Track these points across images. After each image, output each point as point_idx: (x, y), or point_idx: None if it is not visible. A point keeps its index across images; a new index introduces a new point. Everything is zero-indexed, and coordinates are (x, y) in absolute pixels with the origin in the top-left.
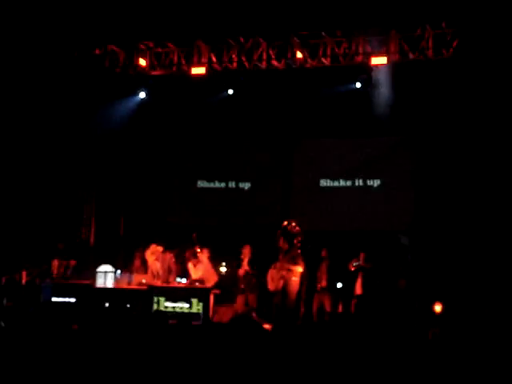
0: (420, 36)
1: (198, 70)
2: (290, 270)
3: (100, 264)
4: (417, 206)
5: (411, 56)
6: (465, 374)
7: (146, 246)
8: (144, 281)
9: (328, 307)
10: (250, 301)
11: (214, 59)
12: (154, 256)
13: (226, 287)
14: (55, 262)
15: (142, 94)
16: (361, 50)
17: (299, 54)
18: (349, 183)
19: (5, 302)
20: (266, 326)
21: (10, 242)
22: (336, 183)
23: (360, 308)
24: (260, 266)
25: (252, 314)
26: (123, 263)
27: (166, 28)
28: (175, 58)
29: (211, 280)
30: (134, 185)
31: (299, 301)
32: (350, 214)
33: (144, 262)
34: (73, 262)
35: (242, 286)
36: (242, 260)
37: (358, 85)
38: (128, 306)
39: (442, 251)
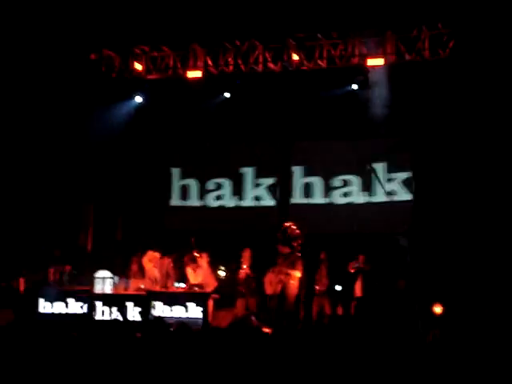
0: (416, 37)
1: (194, 74)
2: (288, 275)
3: (98, 270)
4: (415, 208)
5: (408, 57)
6: (465, 375)
7: (144, 251)
8: (142, 286)
9: (328, 310)
10: (250, 305)
11: (209, 62)
12: (152, 263)
13: (226, 291)
14: (51, 269)
15: (139, 99)
16: (357, 51)
17: (295, 57)
18: (347, 185)
19: None
20: (266, 330)
21: (7, 248)
22: (334, 185)
23: (360, 310)
24: (259, 269)
25: (251, 318)
26: (121, 269)
27: (161, 32)
28: (171, 62)
29: (211, 285)
30: (132, 189)
31: (298, 304)
32: (348, 216)
33: (141, 267)
34: (68, 268)
35: (243, 290)
36: (242, 263)
37: (355, 86)
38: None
39: (441, 252)
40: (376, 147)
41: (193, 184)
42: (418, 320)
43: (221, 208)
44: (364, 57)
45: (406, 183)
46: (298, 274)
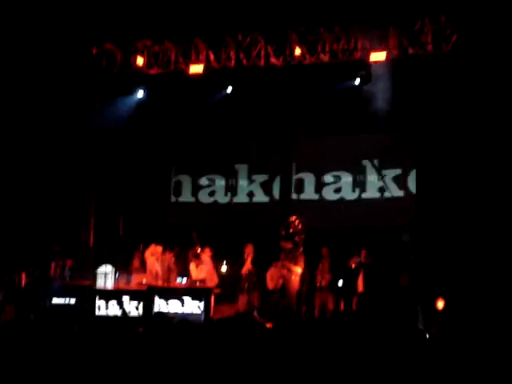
0: (419, 31)
1: (196, 68)
2: (290, 270)
3: (99, 265)
4: (418, 202)
5: (411, 51)
6: (467, 370)
7: (146, 246)
8: (144, 281)
9: (330, 305)
10: (252, 300)
11: (211, 57)
12: (154, 257)
13: (228, 287)
14: (53, 264)
15: (140, 93)
16: (360, 45)
17: (298, 51)
18: (350, 180)
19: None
20: (268, 325)
21: (8, 243)
22: (337, 180)
23: (362, 305)
24: (262, 264)
25: (254, 313)
26: (123, 264)
27: (163, 26)
28: (173, 57)
29: (213, 280)
30: (133, 184)
31: (300, 300)
32: (351, 210)
33: (143, 262)
34: (69, 262)
35: (246, 285)
36: (245, 259)
37: (357, 81)
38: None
39: (443, 247)
40: (379, 141)
41: (194, 178)
42: (419, 315)
43: (221, 204)
44: (367, 51)
45: (409, 177)
46: (299, 269)
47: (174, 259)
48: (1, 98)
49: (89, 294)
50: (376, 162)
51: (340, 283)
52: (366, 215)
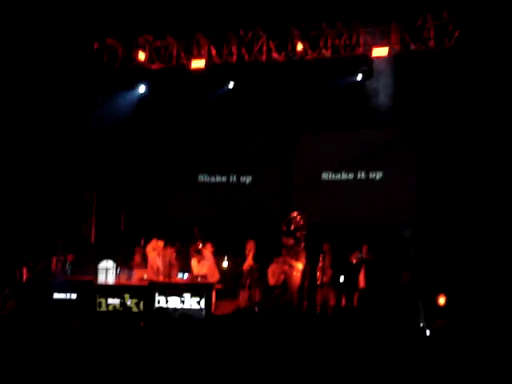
0: (421, 26)
1: (198, 64)
2: (291, 266)
3: (101, 260)
4: (419, 198)
5: (413, 47)
6: (468, 365)
7: (147, 242)
8: (145, 276)
9: (332, 301)
10: (254, 296)
11: (213, 52)
12: (156, 252)
13: (229, 282)
14: (54, 259)
15: (142, 88)
16: (362, 41)
17: (299, 46)
18: (351, 176)
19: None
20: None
21: (10, 238)
22: (338, 176)
23: (363, 301)
24: (263, 260)
25: (255, 309)
26: (124, 259)
27: (164, 21)
28: (174, 52)
29: (214, 276)
30: (135, 180)
31: (301, 295)
32: (352, 206)
33: (144, 258)
34: (70, 257)
35: (247, 281)
36: (246, 255)
37: (359, 76)
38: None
39: (445, 243)
40: (380, 137)
41: (195, 174)
42: (420, 311)
43: (222, 199)
44: (369, 46)
45: (411, 174)
46: (300, 265)
47: (175, 254)
48: (2, 93)
49: (90, 289)
50: (377, 157)
51: (341, 279)
52: (367, 211)
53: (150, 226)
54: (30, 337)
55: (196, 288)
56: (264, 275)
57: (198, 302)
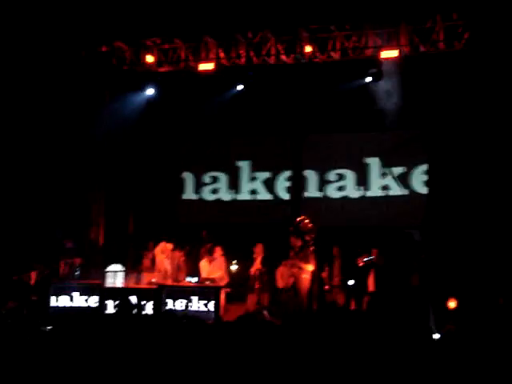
0: (431, 28)
1: (206, 66)
2: (300, 268)
3: (109, 263)
4: (429, 202)
5: (422, 49)
6: (478, 369)
7: (156, 245)
8: (154, 280)
9: (341, 304)
10: (262, 300)
11: (221, 55)
12: (164, 254)
13: (237, 286)
14: (62, 262)
15: (150, 91)
16: (370, 43)
17: (308, 49)
18: (359, 178)
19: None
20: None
21: (18, 242)
22: (346, 178)
23: (372, 305)
24: (272, 263)
25: (264, 312)
26: (132, 262)
27: (173, 24)
28: (183, 54)
29: (224, 279)
30: (143, 183)
31: (311, 298)
32: (361, 210)
33: (153, 262)
34: (77, 261)
35: (257, 285)
36: (254, 259)
37: (368, 79)
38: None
39: (455, 246)
40: (390, 140)
41: (203, 178)
42: (430, 315)
43: (231, 202)
44: (378, 49)
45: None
46: (310, 267)
47: (183, 258)
48: (11, 95)
49: (98, 292)
50: (387, 160)
51: (350, 282)
52: (376, 214)
53: (159, 229)
54: (38, 341)
55: (205, 291)
56: (273, 279)
57: (206, 305)
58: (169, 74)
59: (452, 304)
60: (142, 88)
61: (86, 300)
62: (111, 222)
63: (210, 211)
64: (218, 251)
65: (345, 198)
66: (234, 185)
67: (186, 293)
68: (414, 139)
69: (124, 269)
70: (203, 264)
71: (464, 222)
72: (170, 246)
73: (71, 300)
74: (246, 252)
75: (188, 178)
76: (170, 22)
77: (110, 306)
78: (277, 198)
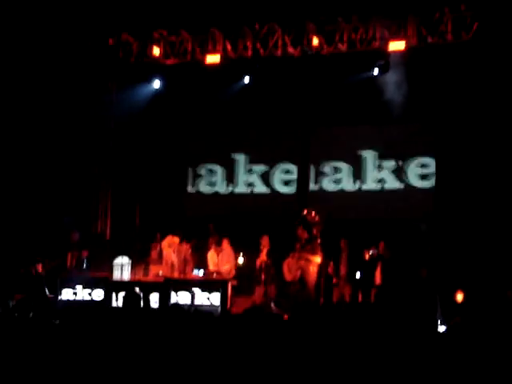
0: (439, 19)
1: (213, 58)
2: (308, 260)
3: (116, 256)
4: (437, 194)
5: (430, 40)
6: (486, 362)
7: (163, 238)
8: (161, 273)
9: (348, 297)
10: (269, 292)
11: (228, 47)
12: (171, 248)
13: (244, 278)
14: (69, 255)
15: (157, 83)
16: (378, 35)
17: (315, 41)
18: (368, 171)
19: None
20: (286, 317)
21: (24, 234)
22: (354, 171)
23: (380, 298)
24: (278, 256)
25: (271, 305)
26: (139, 255)
27: (179, 16)
28: (189, 47)
29: (231, 271)
30: (150, 176)
31: (318, 291)
32: (369, 202)
33: (160, 254)
34: (85, 253)
35: (263, 277)
36: (260, 251)
37: (376, 71)
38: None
39: (463, 239)
40: (398, 132)
41: (209, 171)
42: (438, 308)
43: (238, 195)
44: (385, 40)
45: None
46: (318, 259)
47: (190, 251)
48: (17, 88)
49: (106, 285)
50: (395, 152)
51: (358, 275)
52: (384, 207)
53: (165, 221)
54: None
55: (211, 284)
56: (279, 271)
57: (213, 298)
58: (175, 67)
59: (459, 297)
60: (149, 80)
61: (90, 293)
62: (118, 215)
63: (217, 204)
64: (226, 243)
65: (351, 191)
66: (237, 177)
67: (192, 286)
68: (422, 132)
69: (130, 261)
70: (211, 255)
71: (471, 215)
72: (176, 239)
73: (75, 294)
74: (252, 244)
75: (195, 170)
76: (177, 14)
77: (115, 299)
78: (284, 193)
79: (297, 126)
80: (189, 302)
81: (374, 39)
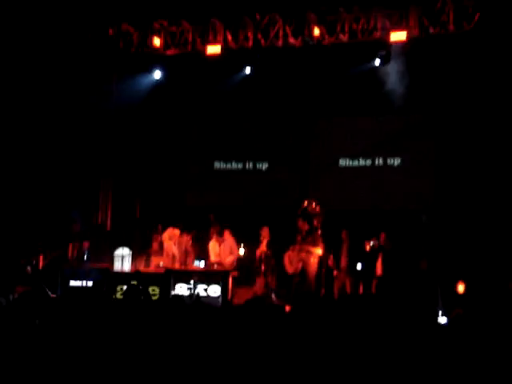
0: (440, 9)
1: (214, 49)
2: (309, 252)
3: (117, 247)
4: (438, 185)
5: (431, 30)
6: (487, 354)
7: (163, 229)
8: (161, 264)
9: (349, 289)
10: (270, 283)
11: (229, 37)
12: (172, 240)
13: (245, 270)
14: (70, 246)
15: (157, 74)
16: (379, 25)
17: (316, 31)
18: (369, 162)
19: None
20: (287, 308)
21: (26, 226)
22: (355, 162)
23: (381, 289)
24: (278, 247)
25: (272, 296)
26: (140, 246)
27: (179, 6)
28: (190, 37)
29: (233, 261)
30: (150, 167)
31: (319, 282)
32: (370, 193)
33: (161, 245)
34: (86, 244)
35: (263, 268)
36: (260, 242)
37: (377, 61)
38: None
39: (464, 230)
40: (399, 123)
41: (211, 160)
42: (439, 299)
43: (238, 186)
44: (387, 31)
45: (429, 159)
46: (319, 250)
47: (190, 242)
48: (18, 80)
49: (107, 276)
50: (396, 143)
51: (359, 266)
52: (385, 198)
53: (166, 213)
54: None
55: (212, 275)
56: (280, 262)
57: (214, 290)
58: (176, 57)
59: (461, 288)
60: (149, 71)
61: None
62: (118, 206)
63: (218, 194)
64: (228, 233)
65: (354, 181)
66: (245, 170)
67: (193, 277)
68: (423, 122)
69: (131, 252)
70: (212, 245)
71: (473, 206)
72: (177, 231)
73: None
74: (253, 235)
75: (195, 160)
76: (177, 4)
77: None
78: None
79: (298, 117)
80: (189, 293)
81: (376, 29)
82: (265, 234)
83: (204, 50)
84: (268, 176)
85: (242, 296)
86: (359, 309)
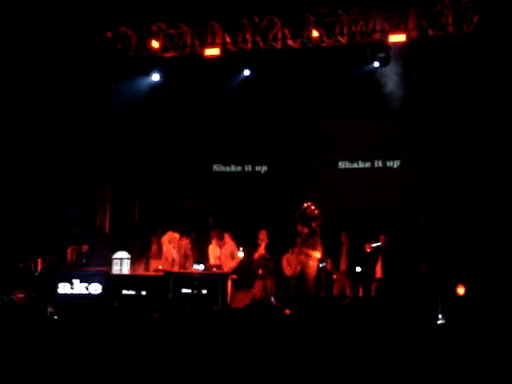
0: (439, 12)
1: (212, 51)
2: (308, 255)
3: (115, 250)
4: (437, 187)
5: (431, 33)
6: (487, 355)
7: (163, 232)
8: (160, 267)
9: (348, 291)
10: (268, 286)
11: (227, 40)
12: (172, 244)
13: (244, 273)
14: (69, 249)
15: (156, 77)
16: (378, 27)
17: (315, 33)
18: (368, 164)
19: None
20: (287, 311)
21: (24, 229)
22: (355, 165)
23: (380, 292)
24: (277, 251)
25: (271, 299)
26: (138, 249)
27: (178, 9)
28: (188, 40)
29: (232, 264)
30: (149, 170)
31: (318, 285)
32: (369, 195)
33: (160, 248)
34: (85, 247)
35: (260, 271)
36: (258, 245)
37: (376, 63)
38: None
39: (464, 232)
40: (398, 125)
41: (210, 163)
42: (438, 302)
43: (237, 189)
44: (386, 33)
45: (429, 162)
46: (317, 254)
47: (190, 245)
48: (17, 81)
49: (106, 279)
50: (395, 146)
51: (358, 269)
52: (384, 200)
53: (165, 216)
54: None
55: (211, 278)
56: (279, 265)
57: (213, 293)
58: (174, 60)
59: (461, 290)
60: (148, 74)
61: (87, 287)
62: (117, 209)
63: (217, 197)
64: (228, 237)
65: (353, 184)
66: (244, 173)
67: (192, 280)
68: (423, 125)
69: (130, 256)
70: (212, 248)
71: (472, 208)
72: (176, 235)
73: (72, 287)
74: (252, 239)
75: (194, 163)
76: (176, 7)
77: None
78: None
79: (297, 120)
80: (189, 296)
81: (375, 32)
82: (263, 237)
83: (202, 52)
84: (267, 179)
85: (241, 299)
86: (360, 311)
